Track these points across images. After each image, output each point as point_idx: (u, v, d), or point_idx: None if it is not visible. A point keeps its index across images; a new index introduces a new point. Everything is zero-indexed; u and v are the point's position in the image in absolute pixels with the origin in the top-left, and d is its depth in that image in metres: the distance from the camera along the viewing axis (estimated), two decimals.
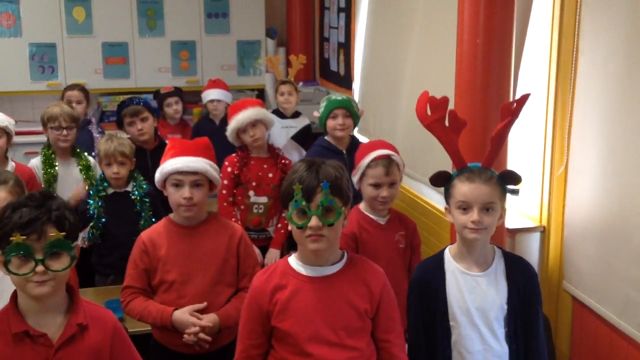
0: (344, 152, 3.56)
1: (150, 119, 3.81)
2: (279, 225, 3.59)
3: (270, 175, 3.55)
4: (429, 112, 2.21)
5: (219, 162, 2.80)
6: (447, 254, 2.19)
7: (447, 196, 2.18)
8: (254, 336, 1.99)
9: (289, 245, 4.52)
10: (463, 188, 2.09)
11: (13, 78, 5.81)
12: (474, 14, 2.83)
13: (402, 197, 4.01)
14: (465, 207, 2.08)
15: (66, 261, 1.74)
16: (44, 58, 5.87)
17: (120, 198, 3.31)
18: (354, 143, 3.62)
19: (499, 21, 2.81)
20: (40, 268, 1.69)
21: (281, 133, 4.80)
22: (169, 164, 2.47)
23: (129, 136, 3.74)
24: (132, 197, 3.31)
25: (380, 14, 4.62)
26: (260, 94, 6.37)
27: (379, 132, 4.35)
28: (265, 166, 3.55)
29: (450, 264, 2.17)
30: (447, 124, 2.20)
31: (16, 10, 5.77)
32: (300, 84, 5.83)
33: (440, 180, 2.20)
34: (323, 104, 3.63)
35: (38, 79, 5.87)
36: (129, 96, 4.19)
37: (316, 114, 3.68)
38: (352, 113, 3.57)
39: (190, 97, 5.87)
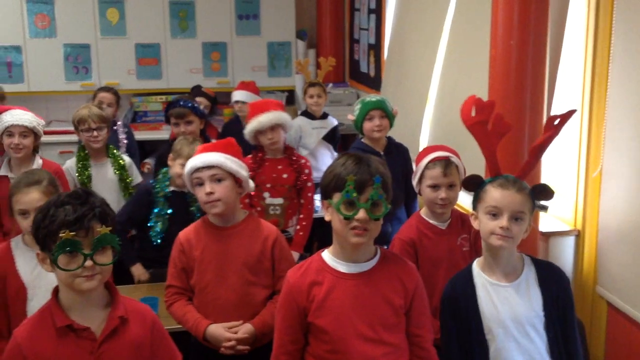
0: (382, 153, 3.54)
1: (195, 122, 3.84)
2: (298, 227, 3.58)
3: (285, 176, 3.53)
4: (473, 114, 2.20)
5: None
6: (475, 267, 2.17)
7: (476, 201, 2.16)
8: (292, 332, 2.00)
9: (320, 245, 4.54)
10: (495, 194, 2.08)
11: (48, 78, 5.92)
12: (508, 15, 2.82)
13: None
14: (495, 213, 2.07)
15: (111, 255, 1.78)
16: (78, 59, 5.97)
17: (178, 197, 3.31)
18: (391, 144, 3.61)
19: (534, 22, 2.79)
20: (89, 262, 1.73)
21: (312, 134, 4.82)
22: (188, 164, 2.54)
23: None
24: (189, 198, 3.31)
25: (409, 15, 4.62)
26: (290, 95, 6.40)
27: (407, 135, 4.34)
28: (279, 167, 3.54)
29: (479, 277, 2.14)
30: (489, 128, 2.19)
31: (51, 11, 5.87)
32: (330, 85, 5.84)
33: (472, 184, 2.19)
34: (358, 107, 3.59)
35: (72, 80, 5.97)
36: (177, 96, 4.22)
37: (350, 117, 3.65)
38: (388, 113, 3.55)
39: (221, 98, 5.92)
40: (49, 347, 1.77)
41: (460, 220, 2.75)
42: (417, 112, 4.28)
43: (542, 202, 2.17)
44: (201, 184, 2.49)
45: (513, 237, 2.05)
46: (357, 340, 1.93)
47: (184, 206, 3.32)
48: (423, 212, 2.77)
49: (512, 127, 2.20)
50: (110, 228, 1.77)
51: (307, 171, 3.58)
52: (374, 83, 5.48)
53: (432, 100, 4.13)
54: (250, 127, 3.50)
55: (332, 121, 4.92)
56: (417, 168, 2.76)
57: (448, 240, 2.71)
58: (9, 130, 3.34)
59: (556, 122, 2.14)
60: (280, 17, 6.28)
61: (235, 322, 2.45)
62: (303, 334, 2.01)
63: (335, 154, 4.81)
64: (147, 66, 6.08)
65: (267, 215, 3.49)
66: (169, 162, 3.36)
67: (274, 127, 3.47)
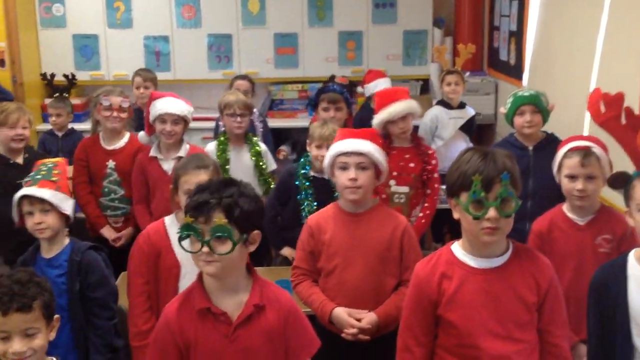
0: (530, 148, 3.41)
1: (344, 110, 3.90)
2: (421, 215, 3.54)
3: (412, 165, 3.51)
4: (602, 110, 2.08)
5: None
6: (632, 258, 2.06)
7: (627, 198, 2.05)
8: (424, 324, 1.99)
9: (452, 234, 4.47)
10: None
11: (193, 67, 6.20)
12: None
13: None
14: None
15: (230, 246, 1.81)
16: (220, 48, 6.20)
17: (318, 182, 3.37)
18: (546, 141, 3.41)
19: None
20: (205, 249, 1.80)
21: (448, 124, 4.73)
22: (335, 146, 2.56)
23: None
24: (332, 184, 3.38)
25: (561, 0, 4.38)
26: (425, 84, 6.32)
27: (566, 130, 4.10)
28: (407, 156, 3.52)
29: (634, 269, 2.03)
30: (623, 121, 2.06)
31: (197, 2, 6.14)
32: (467, 74, 5.70)
33: (619, 181, 2.07)
34: (510, 100, 3.46)
35: (215, 68, 6.21)
36: (326, 83, 4.28)
37: (502, 109, 3.55)
38: (541, 109, 3.38)
39: (355, 87, 5.95)
40: (192, 327, 1.86)
41: (607, 219, 2.60)
42: (576, 105, 4.01)
43: None
44: (345, 168, 2.51)
45: None
46: (487, 336, 1.89)
47: (324, 191, 3.35)
48: (565, 204, 2.66)
49: None
50: (226, 221, 1.80)
51: (433, 162, 3.55)
52: (515, 72, 5.27)
53: (585, 91, 3.84)
54: (381, 117, 3.49)
55: (470, 111, 4.81)
56: (556, 157, 2.67)
57: (583, 237, 2.59)
58: (162, 117, 3.50)
59: None
60: (418, 5, 6.19)
61: (361, 310, 2.45)
62: (434, 326, 1.99)
63: (472, 145, 4.69)
64: (284, 55, 6.21)
65: (391, 203, 3.50)
66: (308, 147, 3.42)
67: (405, 117, 3.46)
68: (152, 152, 3.54)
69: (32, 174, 2.61)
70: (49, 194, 2.52)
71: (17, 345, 1.84)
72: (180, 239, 1.83)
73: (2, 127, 3.55)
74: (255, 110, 4.76)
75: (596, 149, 2.59)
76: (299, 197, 3.36)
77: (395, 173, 3.49)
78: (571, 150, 2.60)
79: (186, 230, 1.81)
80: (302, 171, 3.38)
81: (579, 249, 2.56)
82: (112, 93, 3.69)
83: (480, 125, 5.49)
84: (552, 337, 1.95)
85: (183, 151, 3.55)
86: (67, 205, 2.57)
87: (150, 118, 3.56)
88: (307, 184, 3.36)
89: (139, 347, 2.49)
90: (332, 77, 5.48)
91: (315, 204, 3.32)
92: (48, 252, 2.57)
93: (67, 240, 2.61)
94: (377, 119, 3.51)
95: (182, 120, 3.55)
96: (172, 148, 3.55)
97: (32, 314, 1.88)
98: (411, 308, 2.01)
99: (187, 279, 2.46)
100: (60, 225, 2.56)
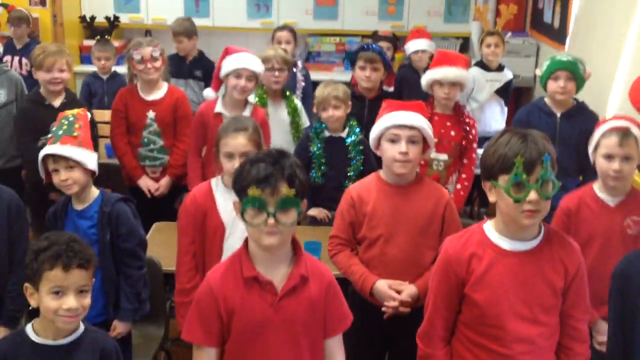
0: (558, 115, 3.37)
1: (380, 70, 3.82)
2: (458, 187, 3.53)
3: (453, 133, 3.48)
4: None
5: None
6: None
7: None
8: (448, 299, 2.02)
9: (481, 199, 4.47)
10: None
11: (231, 14, 6.16)
12: None
13: None
14: None
15: (294, 216, 1.85)
16: None
17: (334, 142, 3.41)
18: (576, 109, 3.39)
19: None
20: (271, 220, 1.81)
21: (485, 86, 4.67)
22: (387, 118, 2.51)
23: (348, 82, 3.83)
24: (347, 143, 3.40)
25: None
26: (465, 43, 6.21)
27: (591, 97, 4.04)
28: (448, 124, 3.49)
29: None
30: None
31: None
32: (509, 34, 5.59)
33: None
34: (546, 63, 3.40)
35: (253, 17, 6.16)
36: (368, 41, 4.34)
37: (537, 72, 3.49)
38: (577, 76, 3.32)
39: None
40: (236, 294, 1.88)
41: (638, 201, 2.59)
42: (607, 75, 3.94)
43: None
44: (395, 141, 2.48)
45: None
46: (514, 318, 1.92)
47: (341, 151, 3.39)
48: (596, 185, 2.65)
49: None
50: (294, 191, 1.83)
51: (474, 131, 3.53)
52: (558, 35, 5.15)
53: (625, 63, 3.77)
54: (431, 77, 3.46)
55: (508, 74, 4.74)
56: (593, 136, 2.64)
57: (612, 218, 2.58)
58: (238, 72, 3.41)
59: None
60: None
61: (401, 282, 2.48)
62: (458, 302, 2.02)
63: (506, 109, 4.64)
64: (324, 6, 6.13)
65: (429, 170, 3.49)
66: (320, 111, 3.42)
67: (455, 84, 3.43)
68: (218, 108, 3.48)
69: (54, 129, 2.60)
70: (71, 151, 2.52)
71: (72, 301, 1.89)
72: (243, 212, 1.85)
73: (40, 70, 3.57)
74: (299, 62, 4.73)
75: (634, 130, 2.57)
76: (312, 158, 3.39)
77: (436, 140, 3.44)
78: (610, 130, 2.57)
79: (253, 204, 1.82)
80: (316, 132, 3.41)
81: (607, 229, 2.56)
82: (141, 45, 3.65)
83: (519, 88, 5.41)
84: (574, 320, 1.98)
85: (248, 111, 3.49)
86: (90, 160, 2.58)
87: (221, 73, 3.49)
88: (320, 145, 3.39)
89: (181, 303, 2.56)
90: (375, 33, 5.40)
91: (324, 166, 3.37)
92: (78, 204, 2.62)
93: (96, 192, 2.65)
94: (429, 75, 3.47)
95: (255, 78, 3.49)
96: (238, 106, 3.48)
97: (88, 273, 1.93)
98: (438, 282, 2.04)
99: (231, 240, 2.51)
100: (86, 178, 2.59)
